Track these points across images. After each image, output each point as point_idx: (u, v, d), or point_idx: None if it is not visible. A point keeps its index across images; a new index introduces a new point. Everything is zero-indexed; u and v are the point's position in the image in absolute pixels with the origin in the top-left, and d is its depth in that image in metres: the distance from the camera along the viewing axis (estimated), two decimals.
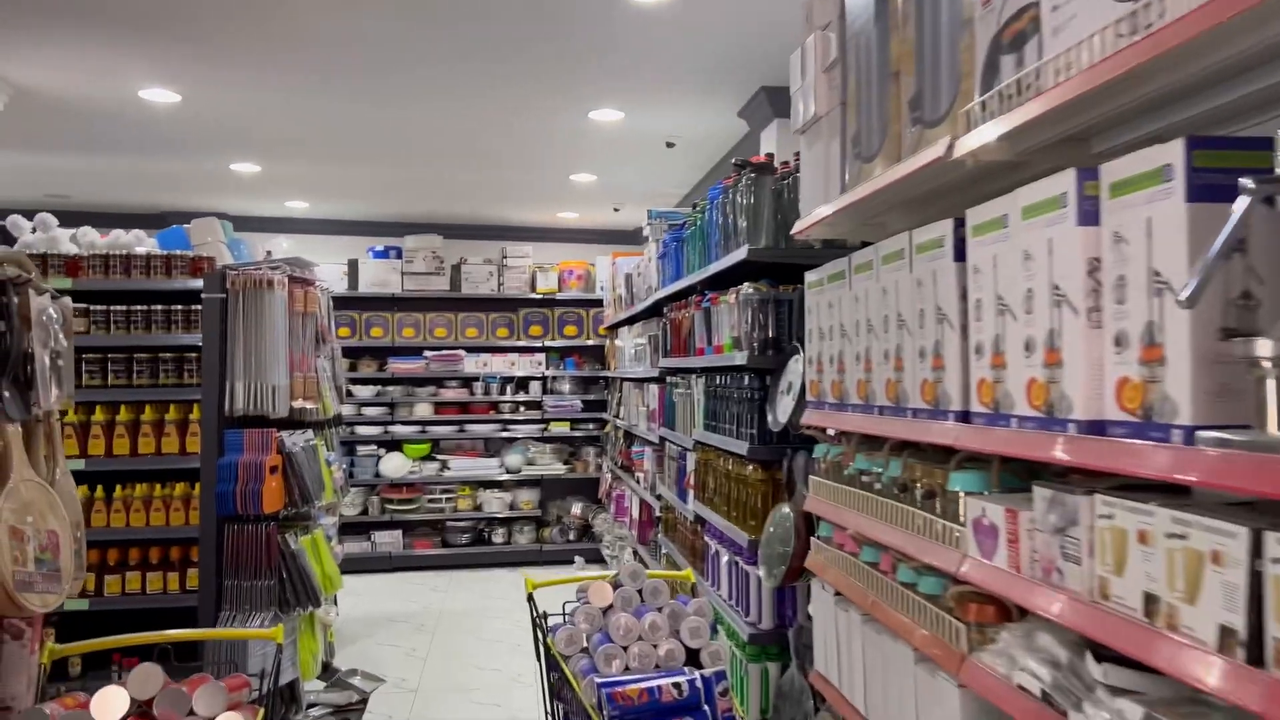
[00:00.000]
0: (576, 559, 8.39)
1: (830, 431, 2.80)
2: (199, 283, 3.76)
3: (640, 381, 6.27)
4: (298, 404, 3.97)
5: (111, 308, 3.93)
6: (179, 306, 3.93)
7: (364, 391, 8.30)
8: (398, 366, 8.38)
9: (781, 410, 3.25)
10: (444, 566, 8.28)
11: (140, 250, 3.94)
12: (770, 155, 3.52)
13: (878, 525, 2.21)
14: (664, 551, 5.31)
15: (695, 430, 4.26)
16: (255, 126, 5.70)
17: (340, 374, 5.98)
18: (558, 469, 8.56)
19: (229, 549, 3.68)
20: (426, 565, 8.25)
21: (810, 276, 2.74)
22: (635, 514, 6.37)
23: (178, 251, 3.95)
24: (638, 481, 6.22)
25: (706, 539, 4.07)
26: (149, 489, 3.88)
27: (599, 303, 8.65)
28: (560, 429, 8.61)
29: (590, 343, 8.70)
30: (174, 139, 5.85)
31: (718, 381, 3.86)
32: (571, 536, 8.55)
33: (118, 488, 3.89)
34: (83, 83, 4.86)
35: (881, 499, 2.21)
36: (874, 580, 2.26)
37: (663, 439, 5.21)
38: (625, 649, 2.66)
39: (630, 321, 6.85)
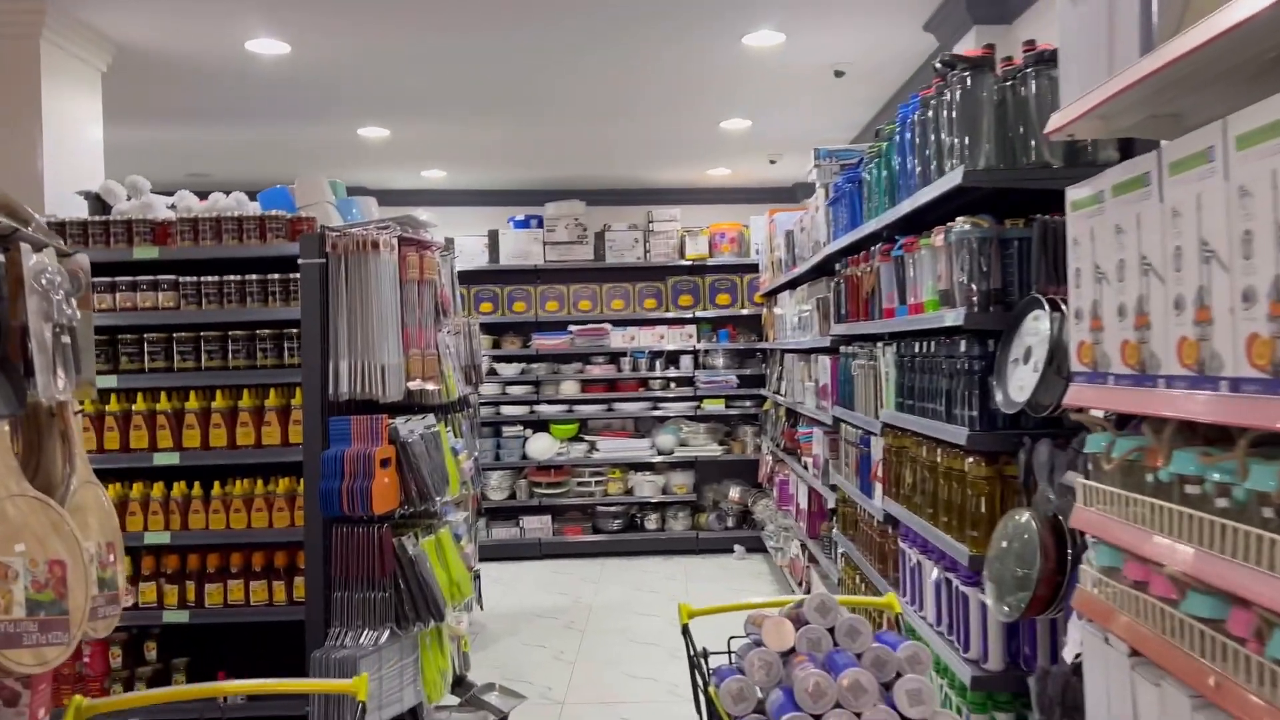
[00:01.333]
0: (736, 548, 7.71)
1: (1098, 414, 1.98)
2: (295, 247, 3.26)
3: (806, 353, 5.49)
4: (414, 385, 3.43)
5: (202, 279, 3.50)
6: (276, 276, 3.45)
7: (508, 370, 7.87)
8: (542, 343, 7.90)
9: (1016, 385, 2.43)
10: (595, 554, 7.78)
11: (232, 213, 3.48)
12: (991, 47, 2.67)
13: (1228, 566, 1.40)
14: (840, 551, 4.55)
15: (883, 410, 3.48)
16: (375, 82, 5.25)
17: (477, 351, 5.50)
18: (713, 450, 7.88)
19: (337, 556, 3.18)
20: (577, 553, 7.77)
21: (1077, 193, 1.91)
22: (803, 503, 5.61)
23: (273, 212, 3.47)
24: (805, 467, 5.46)
25: (903, 545, 3.29)
26: (250, 486, 3.43)
27: (754, 268, 7.87)
28: (714, 406, 7.92)
29: (745, 312, 7.95)
30: (290, 99, 5.48)
31: (916, 350, 3.06)
32: (730, 523, 7.87)
33: (216, 485, 3.46)
34: (185, 36, 4.51)
35: (1234, 525, 1.39)
36: (1217, 648, 1.45)
37: (837, 420, 4.43)
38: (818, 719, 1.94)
39: (792, 285, 6.07)
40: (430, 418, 3.57)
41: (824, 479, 4.82)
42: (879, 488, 3.58)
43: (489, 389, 7.82)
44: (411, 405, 3.54)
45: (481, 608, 5.83)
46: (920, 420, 2.99)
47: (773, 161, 7.13)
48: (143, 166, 4.95)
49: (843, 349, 4.30)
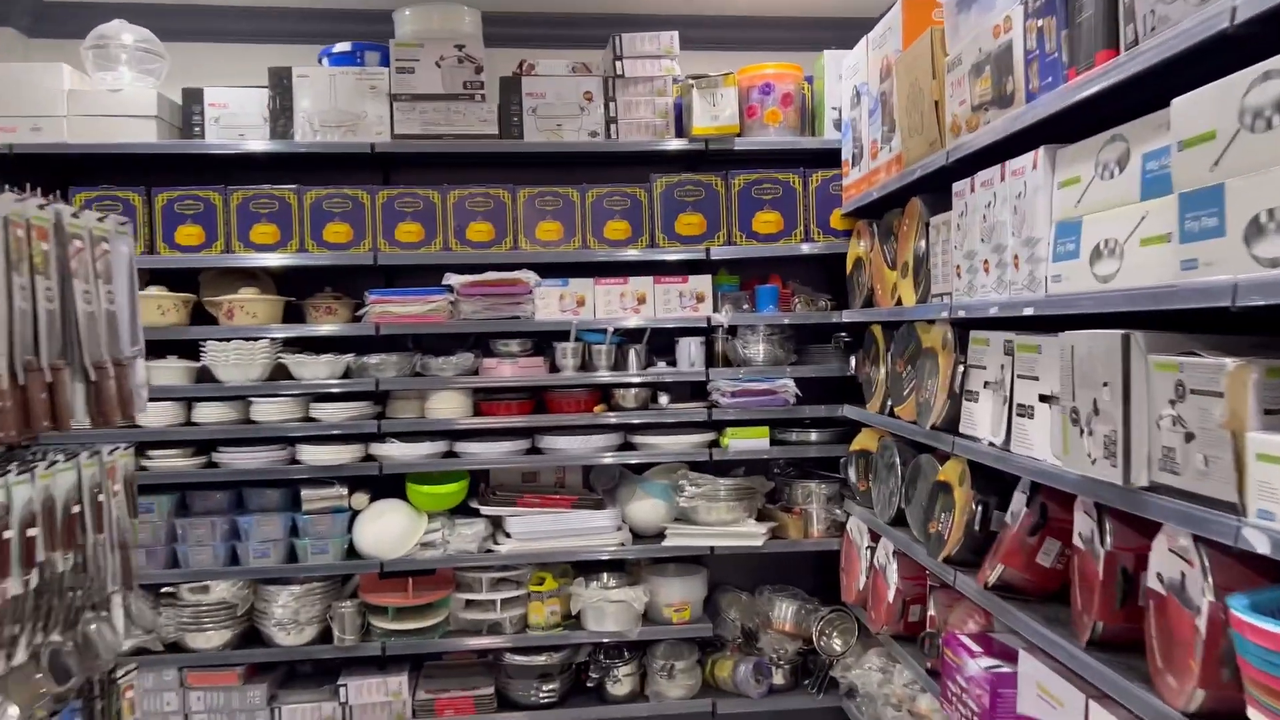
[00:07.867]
0: None
1: None
2: None
3: None
4: None
5: None
6: None
7: (314, 368, 3.69)
8: (389, 310, 3.74)
9: None
10: None
11: None
12: None
13: None
14: None
15: None
16: None
17: (133, 326, 1.49)
18: (744, 531, 3.84)
19: None
20: None
21: None
22: None
23: None
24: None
25: None
26: None
27: (832, 156, 3.87)
28: (748, 442, 3.89)
29: (806, 249, 3.94)
30: None
31: None
32: (779, 680, 3.87)
33: None
34: None
35: None
36: None
37: None
38: None
39: (1111, 118, 2.09)
40: None
41: None
42: None
43: (267, 411, 3.65)
44: None
45: None
46: None
47: None
48: None
49: None
